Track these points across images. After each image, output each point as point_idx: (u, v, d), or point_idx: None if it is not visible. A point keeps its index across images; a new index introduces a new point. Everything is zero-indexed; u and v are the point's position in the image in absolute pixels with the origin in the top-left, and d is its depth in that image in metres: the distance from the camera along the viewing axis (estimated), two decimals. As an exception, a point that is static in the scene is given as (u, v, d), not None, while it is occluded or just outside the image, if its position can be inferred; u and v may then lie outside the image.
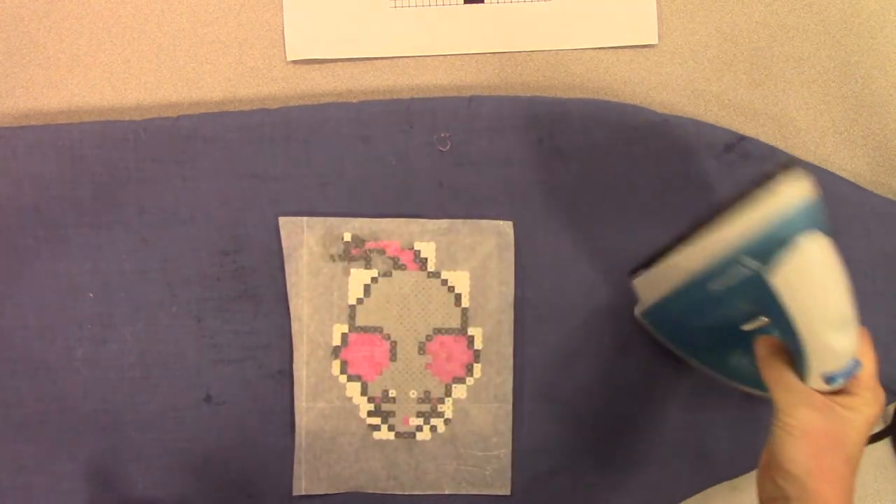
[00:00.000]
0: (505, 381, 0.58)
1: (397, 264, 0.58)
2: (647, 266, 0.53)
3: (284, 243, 0.58)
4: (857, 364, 0.44)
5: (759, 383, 0.49)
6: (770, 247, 0.43)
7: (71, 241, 0.58)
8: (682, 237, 0.50)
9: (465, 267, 0.58)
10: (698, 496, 0.60)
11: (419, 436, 0.58)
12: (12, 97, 0.61)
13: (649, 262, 0.53)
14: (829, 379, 0.43)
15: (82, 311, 0.57)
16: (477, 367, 0.58)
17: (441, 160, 0.59)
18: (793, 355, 0.45)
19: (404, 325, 0.58)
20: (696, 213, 0.48)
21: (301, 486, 0.57)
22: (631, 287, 0.56)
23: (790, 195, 0.43)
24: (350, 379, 0.58)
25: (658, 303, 0.53)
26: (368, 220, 0.58)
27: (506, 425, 0.58)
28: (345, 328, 0.58)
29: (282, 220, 0.58)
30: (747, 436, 0.59)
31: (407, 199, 0.59)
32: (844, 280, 0.43)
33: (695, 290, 0.49)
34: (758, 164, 0.59)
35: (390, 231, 0.58)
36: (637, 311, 0.56)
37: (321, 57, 0.62)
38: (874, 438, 0.57)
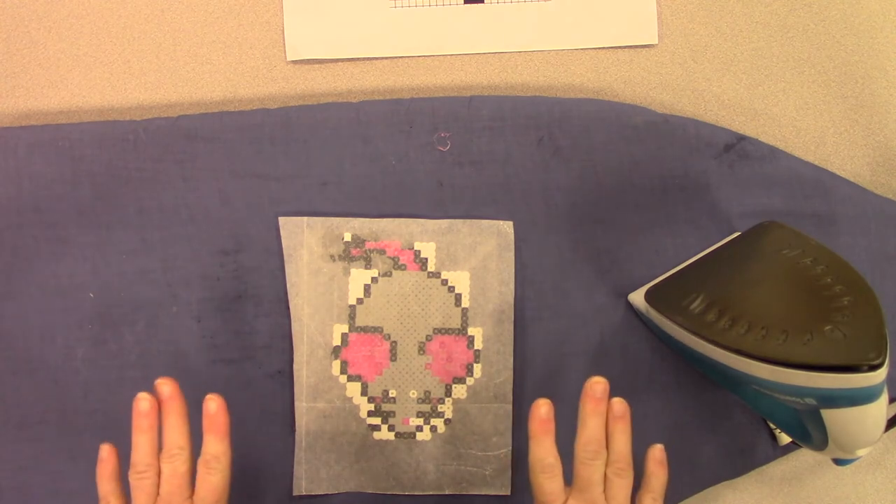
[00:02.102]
0: (505, 381, 0.58)
1: (397, 264, 0.58)
2: (660, 289, 0.54)
3: (284, 243, 0.58)
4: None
5: (756, 398, 0.51)
6: (835, 400, 0.44)
7: (71, 241, 0.58)
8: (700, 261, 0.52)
9: (465, 267, 0.58)
10: (697, 496, 0.60)
11: (419, 436, 0.58)
12: (12, 97, 0.61)
13: (663, 284, 0.55)
14: (838, 461, 0.51)
15: (82, 311, 0.57)
16: (477, 367, 0.58)
17: (441, 160, 0.59)
18: (811, 433, 0.48)
19: (404, 325, 0.58)
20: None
21: (301, 486, 0.57)
22: (635, 301, 0.57)
23: (877, 377, 0.43)
24: (350, 379, 0.58)
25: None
26: (368, 220, 0.58)
27: (506, 425, 0.58)
28: (345, 328, 0.58)
29: (282, 220, 0.58)
30: (746, 438, 0.59)
31: (407, 199, 0.58)
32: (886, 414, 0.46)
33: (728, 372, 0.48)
34: (758, 164, 0.59)
35: (390, 231, 0.58)
36: (634, 299, 0.57)
37: (321, 57, 0.62)
38: (892, 423, 0.56)
